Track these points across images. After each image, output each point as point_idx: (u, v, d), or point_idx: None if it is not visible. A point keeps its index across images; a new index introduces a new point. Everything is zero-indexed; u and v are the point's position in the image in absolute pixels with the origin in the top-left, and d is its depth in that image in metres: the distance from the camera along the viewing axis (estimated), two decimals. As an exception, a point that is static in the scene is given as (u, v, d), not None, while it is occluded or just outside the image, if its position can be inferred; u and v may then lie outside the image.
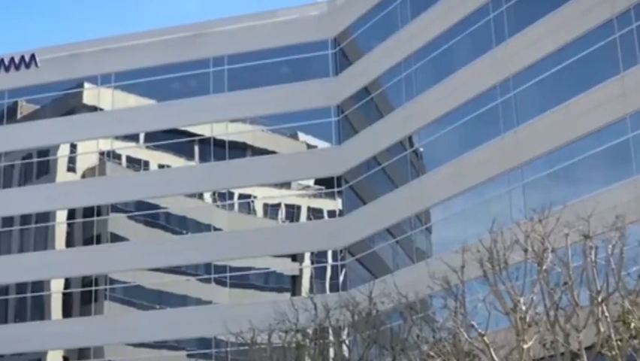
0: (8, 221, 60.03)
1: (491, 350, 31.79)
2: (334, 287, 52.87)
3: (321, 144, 56.15)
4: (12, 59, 62.12)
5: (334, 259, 53.78)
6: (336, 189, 54.46)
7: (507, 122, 43.19)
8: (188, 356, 55.08)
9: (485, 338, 31.99)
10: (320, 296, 45.03)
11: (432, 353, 34.32)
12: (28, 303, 59.00)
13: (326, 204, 54.98)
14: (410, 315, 38.44)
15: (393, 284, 39.34)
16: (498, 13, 44.39)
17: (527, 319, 31.12)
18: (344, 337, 44.11)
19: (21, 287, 58.97)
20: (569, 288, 30.61)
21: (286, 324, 41.85)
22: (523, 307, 31.15)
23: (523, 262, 32.43)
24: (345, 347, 43.48)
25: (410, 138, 50.02)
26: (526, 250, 31.91)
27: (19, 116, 62.57)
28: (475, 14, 45.84)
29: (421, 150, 49.81)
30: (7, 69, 62.02)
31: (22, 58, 61.86)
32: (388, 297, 39.65)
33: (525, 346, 30.90)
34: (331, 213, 54.73)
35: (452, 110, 46.64)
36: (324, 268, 54.27)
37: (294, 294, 52.70)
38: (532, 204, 35.03)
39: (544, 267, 31.21)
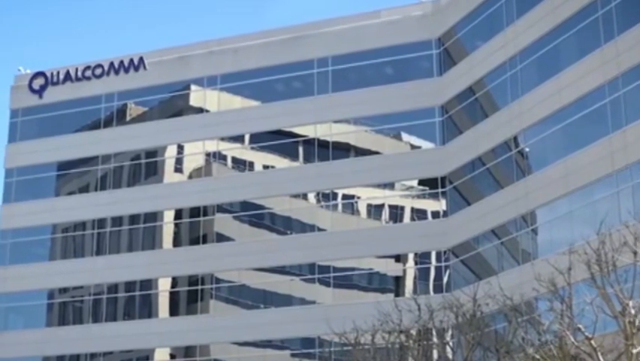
0: (117, 221, 61.30)
1: (599, 354, 31.13)
2: (438, 288, 52.52)
3: (425, 145, 55.84)
4: (121, 62, 63.52)
5: (438, 260, 53.43)
6: (440, 190, 54.08)
7: (615, 122, 42.26)
8: (292, 355, 55.39)
9: (592, 342, 31.33)
10: (424, 297, 44.85)
11: (537, 357, 33.74)
12: (136, 301, 60.13)
13: (430, 205, 54.65)
14: (515, 317, 37.90)
15: (498, 286, 38.89)
16: (606, 10, 43.45)
17: (636, 323, 30.39)
18: (448, 338, 43.83)
19: (130, 286, 60.15)
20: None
21: (389, 325, 41.70)
22: (632, 311, 30.42)
23: (632, 265, 31.69)
24: (448, 349, 43.18)
25: (515, 138, 49.38)
26: (635, 253, 31.19)
27: (128, 118, 63.85)
28: (583, 12, 44.98)
29: (527, 150, 49.11)
30: (116, 72, 63.45)
31: (131, 61, 63.21)
32: (493, 299, 39.21)
33: (634, 351, 30.18)
34: (435, 214, 54.38)
35: (558, 109, 45.89)
36: (428, 269, 53.98)
37: (397, 295, 52.58)
38: (642, 206, 34.27)
39: (654, 269, 30.47)
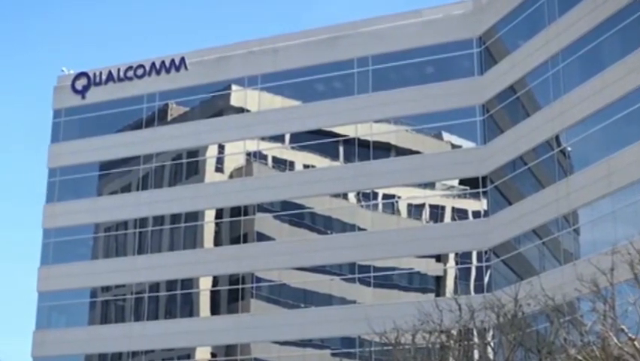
0: (159, 220, 61.67)
1: (642, 355, 30.84)
2: (479, 288, 52.28)
3: (466, 144, 55.59)
4: (163, 63, 63.89)
5: (479, 260, 53.18)
6: (481, 190, 53.82)
7: (659, 121, 41.85)
8: (333, 355, 55.40)
9: (636, 343, 31.04)
10: (464, 297, 44.67)
11: (579, 358, 33.48)
12: (177, 300, 60.46)
13: (471, 205, 54.41)
14: (557, 318, 37.63)
15: (540, 286, 38.65)
16: (650, 8, 43.04)
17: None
18: (489, 339, 43.62)
19: (171, 285, 60.50)
20: None
21: (430, 325, 41.57)
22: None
23: (676, 265, 31.35)
24: (489, 349, 42.95)
25: (557, 138, 49.02)
26: (679, 252, 30.85)
27: (169, 118, 64.19)
28: (626, 10, 44.54)
29: (569, 149, 48.73)
30: (158, 72, 63.83)
31: (173, 61, 63.56)
32: (534, 299, 38.98)
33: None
34: (476, 214, 54.13)
35: (601, 108, 45.48)
36: (469, 269, 53.74)
37: (438, 295, 52.42)
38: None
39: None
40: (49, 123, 67.10)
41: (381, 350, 49.73)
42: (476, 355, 43.84)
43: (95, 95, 65.56)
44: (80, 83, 66.19)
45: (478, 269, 53.13)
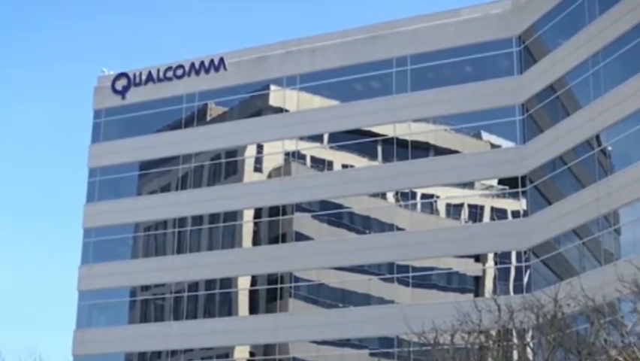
0: (198, 220, 61.95)
1: (684, 356, 30.51)
2: (518, 289, 51.97)
3: (505, 144, 55.28)
4: (202, 63, 64.17)
5: (518, 260, 52.86)
6: (520, 189, 53.49)
7: (702, 119, 41.38)
8: (371, 354, 55.34)
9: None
10: (503, 298, 44.46)
11: (620, 359, 33.21)
12: (216, 299, 60.70)
13: (510, 205, 54.11)
14: (597, 319, 37.35)
15: (580, 287, 38.38)
16: (692, 5, 42.55)
17: None
18: (528, 339, 43.35)
19: (210, 284, 60.75)
20: None
21: (469, 325, 41.44)
22: None
23: None
24: (529, 350, 42.67)
25: (598, 137, 48.63)
26: None
27: (208, 118, 64.46)
28: (668, 8, 44.14)
29: (610, 148, 48.32)
30: (197, 73, 64.12)
31: (212, 61, 63.82)
32: (574, 300, 38.74)
33: None
34: (515, 214, 53.81)
35: (642, 107, 45.08)
36: (508, 269, 53.43)
37: (476, 295, 52.20)
38: None
39: None
40: (89, 123, 67.71)
41: (420, 350, 49.50)
42: (515, 356, 43.55)
43: (135, 95, 66.00)
44: (120, 84, 66.68)
45: (518, 269, 52.82)
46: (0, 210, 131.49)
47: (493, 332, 42.00)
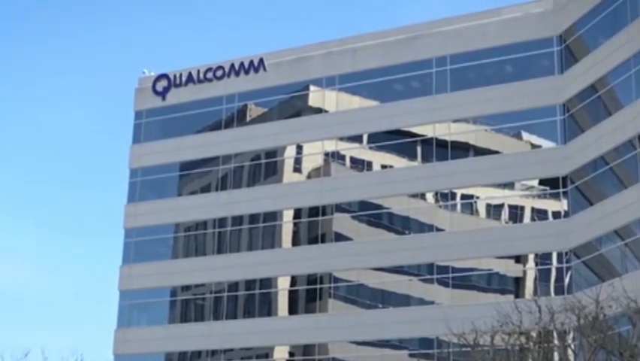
0: (238, 220, 62.16)
1: None
2: (559, 290, 51.60)
3: (546, 144, 54.91)
4: (242, 64, 64.41)
5: (559, 261, 52.48)
6: (561, 190, 53.11)
7: None
8: (410, 355, 55.23)
9: None
10: (544, 299, 44.22)
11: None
12: (256, 300, 60.86)
13: (551, 205, 53.73)
14: (640, 320, 37.04)
15: (622, 288, 38.03)
16: None
17: None
18: (569, 341, 43.04)
19: (249, 284, 60.94)
20: None
21: (509, 326, 41.25)
22: None
23: None
24: (570, 352, 42.38)
25: (640, 137, 48.19)
26: None
27: (248, 118, 64.64)
28: None
29: (652, 148, 47.85)
30: (237, 74, 64.36)
31: (251, 62, 64.03)
32: (616, 301, 38.43)
33: None
34: (556, 214, 53.43)
35: (685, 106, 44.58)
36: (549, 270, 53.05)
37: (517, 296, 51.91)
38: None
39: None
40: (130, 124, 68.20)
41: (460, 351, 49.43)
42: (556, 357, 43.24)
43: (176, 96, 66.38)
44: (161, 85, 67.11)
45: (559, 270, 52.44)
46: (44, 211, 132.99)
47: (534, 334, 41.78)
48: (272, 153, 62.60)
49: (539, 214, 54.11)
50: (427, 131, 57.50)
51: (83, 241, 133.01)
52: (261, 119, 64.02)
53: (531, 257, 53.95)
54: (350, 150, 60.09)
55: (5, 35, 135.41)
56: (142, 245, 65.38)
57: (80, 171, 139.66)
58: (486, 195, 55.58)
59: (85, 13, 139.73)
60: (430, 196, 56.98)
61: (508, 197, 55.09)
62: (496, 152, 56.00)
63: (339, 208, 59.09)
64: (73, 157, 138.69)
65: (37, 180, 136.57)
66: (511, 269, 54.46)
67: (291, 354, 59.65)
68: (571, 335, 43.23)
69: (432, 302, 55.25)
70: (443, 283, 54.93)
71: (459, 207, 56.23)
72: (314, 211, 59.81)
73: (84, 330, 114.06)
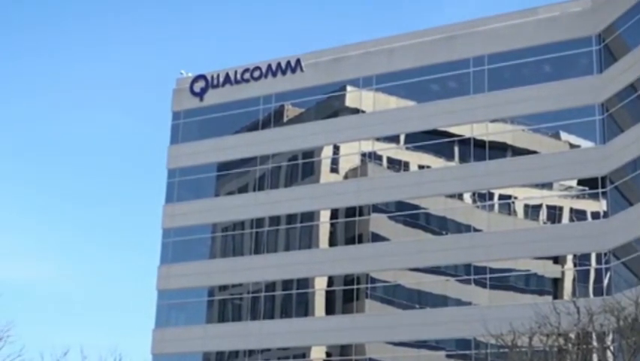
0: (275, 220, 62.29)
1: None
2: (598, 291, 51.17)
3: (585, 144, 54.47)
4: (278, 64, 64.56)
5: (598, 262, 52.04)
6: (600, 190, 52.67)
7: None
8: (447, 356, 55.04)
9: None
10: (583, 300, 43.90)
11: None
12: (293, 300, 60.94)
13: (589, 206, 53.29)
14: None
15: (662, 289, 37.65)
16: None
17: None
18: (608, 343, 42.68)
19: (287, 284, 61.04)
20: None
21: (548, 328, 41.02)
22: None
23: None
24: (609, 354, 42.05)
25: (680, 136, 47.68)
26: None
27: (285, 119, 64.75)
28: None
29: (693, 148, 47.31)
30: (274, 74, 64.50)
31: (288, 63, 64.16)
32: (656, 303, 38.01)
33: None
34: (595, 215, 52.99)
35: None
36: (588, 271, 52.62)
37: (555, 297, 51.53)
38: None
39: None
40: (168, 125, 68.58)
41: (497, 353, 49.22)
42: (595, 359, 42.94)
43: (213, 97, 66.65)
44: (198, 86, 67.43)
45: (597, 271, 52.01)
46: (84, 210, 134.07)
47: (573, 335, 41.50)
48: (309, 154, 62.67)
49: (578, 215, 53.70)
50: (465, 131, 57.29)
51: (122, 240, 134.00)
52: (298, 119, 64.11)
53: (570, 258, 53.55)
54: (387, 150, 60.02)
55: (43, 39, 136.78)
56: (180, 245, 65.73)
57: (119, 171, 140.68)
58: (524, 196, 55.25)
59: (123, 15, 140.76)
60: (467, 196, 56.77)
61: (546, 197, 54.73)
62: (534, 152, 55.66)
63: (376, 209, 59.03)
64: (112, 157, 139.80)
65: (77, 181, 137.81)
66: (550, 270, 54.10)
67: (327, 354, 59.68)
68: (610, 337, 42.86)
69: (469, 303, 55.00)
70: (480, 283, 54.68)
71: (496, 207, 55.97)
72: (351, 212, 59.80)
73: (123, 330, 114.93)
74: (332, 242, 60.73)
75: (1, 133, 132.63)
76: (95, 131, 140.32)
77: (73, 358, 65.46)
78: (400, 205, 58.34)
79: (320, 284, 60.39)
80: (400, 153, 59.77)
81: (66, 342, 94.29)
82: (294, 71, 63.90)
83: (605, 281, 51.37)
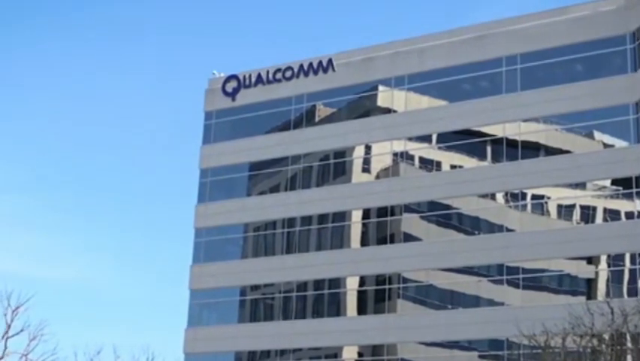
0: (307, 220, 62.34)
1: None
2: (632, 292, 50.75)
3: (619, 143, 54.06)
4: (310, 64, 64.59)
5: (632, 262, 51.64)
6: (634, 190, 52.25)
7: None
8: (480, 357, 54.84)
9: None
10: (617, 301, 43.62)
11: None
12: (325, 299, 60.98)
13: (623, 205, 52.89)
14: None
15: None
16: None
17: None
18: (643, 344, 42.34)
19: (318, 284, 61.08)
20: None
21: (581, 328, 40.78)
22: None
23: None
24: (643, 355, 41.70)
25: None
26: None
27: (317, 119, 64.79)
28: None
29: None
30: (306, 74, 64.55)
31: (320, 63, 64.18)
32: (692, 304, 37.65)
33: None
34: (629, 215, 52.57)
35: None
36: (622, 271, 52.22)
37: (589, 298, 51.19)
38: None
39: None
40: (200, 125, 68.81)
41: (530, 353, 48.96)
42: (629, 360, 42.62)
43: (245, 97, 66.81)
44: (230, 86, 67.60)
45: (632, 272, 51.61)
46: (116, 211, 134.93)
47: (606, 336, 41.23)
48: (341, 153, 62.67)
49: (612, 215, 53.33)
50: (497, 131, 57.05)
51: (155, 240, 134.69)
52: (329, 119, 64.13)
53: (603, 258, 53.18)
54: (419, 150, 59.90)
55: (75, 39, 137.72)
56: (212, 245, 65.96)
57: (152, 171, 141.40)
58: (557, 196, 54.94)
59: (155, 15, 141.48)
60: (499, 196, 56.53)
61: (579, 197, 54.38)
62: (568, 151, 55.34)
63: (408, 208, 58.93)
64: (144, 158, 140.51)
65: (110, 181, 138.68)
66: (583, 270, 53.75)
67: (359, 354, 59.66)
68: (644, 338, 42.51)
69: (502, 303, 54.77)
70: (513, 284, 54.43)
71: (529, 207, 55.70)
72: (383, 211, 59.74)
73: (155, 329, 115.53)
74: (364, 242, 60.69)
75: (39, 137, 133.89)
76: (128, 131, 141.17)
77: (107, 357, 66.10)
78: (432, 205, 58.20)
79: (352, 284, 60.37)
80: (431, 152, 59.63)
81: (99, 341, 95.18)
82: (325, 70, 63.93)
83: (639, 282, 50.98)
